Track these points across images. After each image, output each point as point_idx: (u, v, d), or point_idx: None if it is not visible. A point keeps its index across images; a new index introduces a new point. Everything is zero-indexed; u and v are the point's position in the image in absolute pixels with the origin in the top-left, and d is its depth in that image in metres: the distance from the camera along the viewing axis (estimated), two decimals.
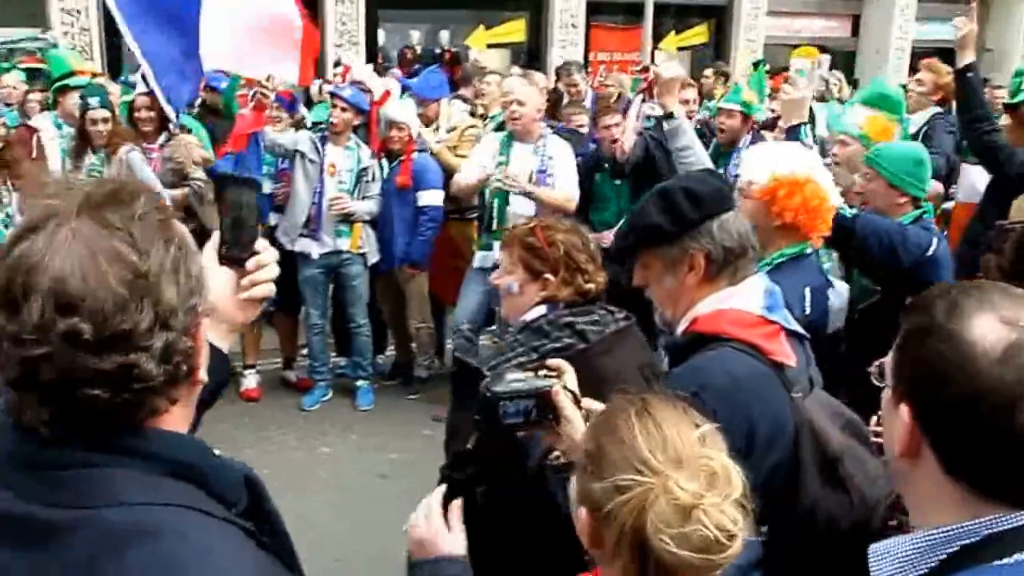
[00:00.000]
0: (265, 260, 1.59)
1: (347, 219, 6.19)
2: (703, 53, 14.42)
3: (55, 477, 1.11)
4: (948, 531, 1.24)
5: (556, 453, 2.00)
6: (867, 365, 3.46)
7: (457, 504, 1.93)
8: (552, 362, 2.01)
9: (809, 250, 3.15)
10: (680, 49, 14.17)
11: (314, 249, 6.17)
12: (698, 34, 14.73)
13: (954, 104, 5.63)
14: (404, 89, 6.89)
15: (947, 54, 14.07)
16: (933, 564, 1.25)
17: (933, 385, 1.23)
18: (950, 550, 1.24)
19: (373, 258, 6.37)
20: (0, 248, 1.11)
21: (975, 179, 5.36)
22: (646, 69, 9.37)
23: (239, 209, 1.58)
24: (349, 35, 11.90)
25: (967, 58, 4.67)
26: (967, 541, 1.23)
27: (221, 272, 1.57)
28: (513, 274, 2.54)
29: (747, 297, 2.14)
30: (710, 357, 2.05)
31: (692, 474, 1.35)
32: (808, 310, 2.99)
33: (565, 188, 5.70)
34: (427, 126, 6.63)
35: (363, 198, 6.22)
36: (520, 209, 5.65)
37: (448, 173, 6.26)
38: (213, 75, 6.33)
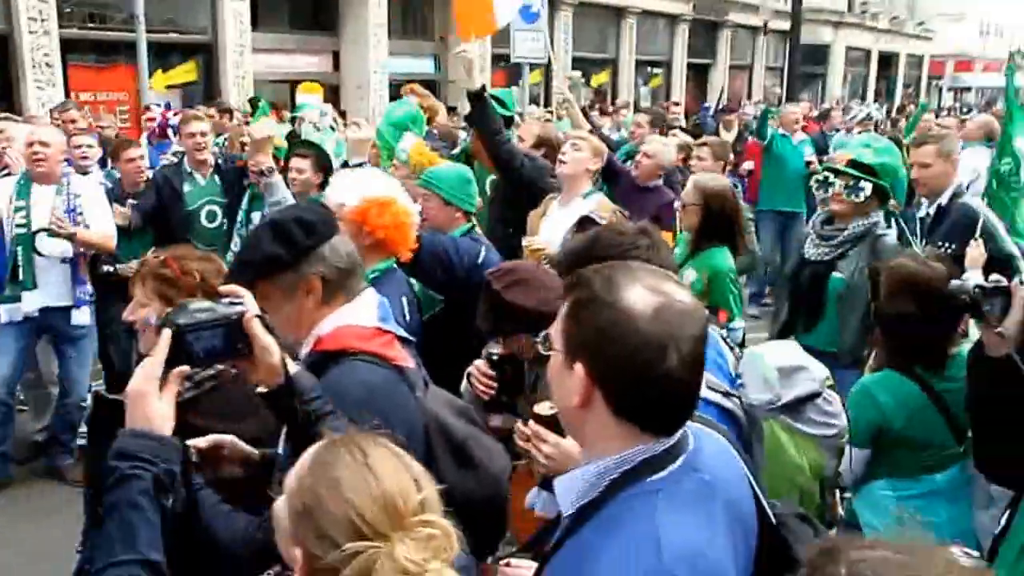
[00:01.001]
0: None
1: None
2: (194, 91, 14.34)
3: None
4: (613, 460, 1.53)
5: (261, 389, 1.96)
6: (438, 364, 3.68)
7: (180, 370, 1.78)
8: (227, 288, 1.95)
9: (395, 265, 3.38)
10: (170, 87, 13.97)
11: None
12: (187, 72, 14.57)
13: None
14: None
15: (424, 86, 15.52)
16: (603, 487, 1.54)
17: (601, 344, 1.50)
18: (615, 476, 1.53)
19: None
20: None
21: None
22: (168, 107, 9.17)
23: None
24: None
25: (477, 82, 5.24)
26: (628, 466, 1.53)
27: None
28: (149, 307, 2.50)
29: (362, 312, 2.28)
30: (341, 371, 2.14)
31: (416, 540, 1.38)
32: (408, 316, 3.27)
33: (102, 227, 5.53)
34: None
35: None
36: (53, 252, 5.38)
37: None
38: None
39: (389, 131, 5.57)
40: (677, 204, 5.80)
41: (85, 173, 6.08)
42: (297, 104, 8.30)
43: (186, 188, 6.20)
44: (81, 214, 5.41)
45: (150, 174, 6.42)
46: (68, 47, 12.70)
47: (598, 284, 1.54)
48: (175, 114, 7.55)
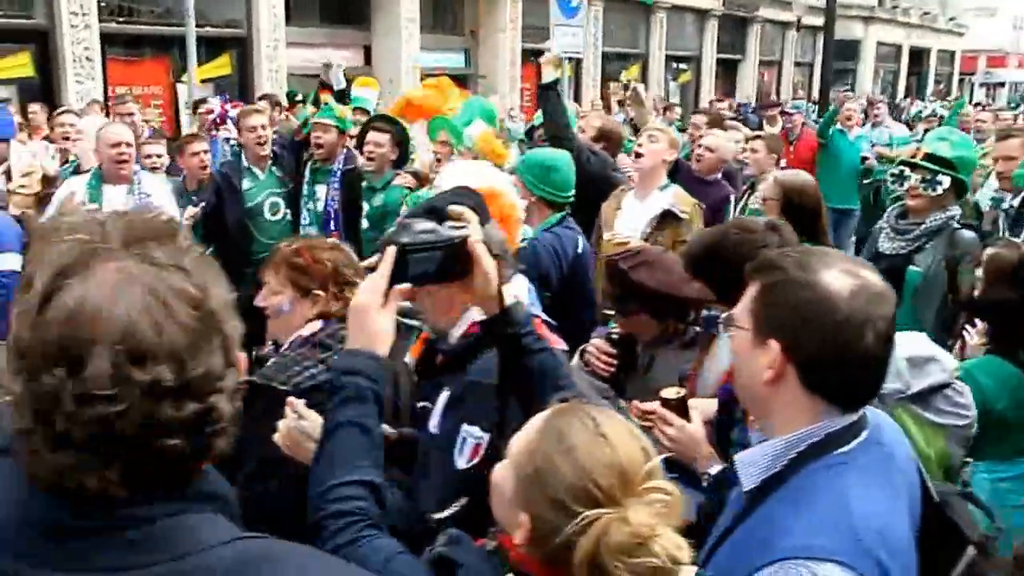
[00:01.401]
0: None
1: None
2: (229, 83, 14.36)
3: (124, 538, 1.02)
4: (799, 434, 1.62)
5: (479, 315, 1.96)
6: None
7: (401, 288, 1.80)
8: (456, 210, 1.96)
9: None
10: (204, 81, 13.99)
11: None
12: (221, 66, 14.61)
13: None
14: None
15: (454, 80, 15.61)
16: (787, 461, 1.62)
17: (800, 323, 1.59)
18: (800, 449, 1.61)
19: None
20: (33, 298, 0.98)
21: None
22: (226, 99, 9.16)
23: None
24: None
25: (552, 76, 5.31)
26: (814, 440, 1.61)
27: None
28: (282, 294, 2.57)
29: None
30: None
31: (649, 505, 1.42)
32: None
33: None
34: None
35: None
36: None
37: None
38: None
39: (460, 124, 5.58)
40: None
41: None
42: (352, 98, 8.28)
43: (246, 185, 6.16)
44: None
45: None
46: (105, 41, 12.74)
47: (792, 266, 1.63)
48: (233, 106, 7.56)
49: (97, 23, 12.39)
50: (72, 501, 1.02)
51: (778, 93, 25.84)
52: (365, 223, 5.78)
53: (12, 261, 5.34)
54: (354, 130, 6.67)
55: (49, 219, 1.07)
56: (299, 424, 2.06)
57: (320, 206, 5.96)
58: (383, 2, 16.87)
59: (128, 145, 5.38)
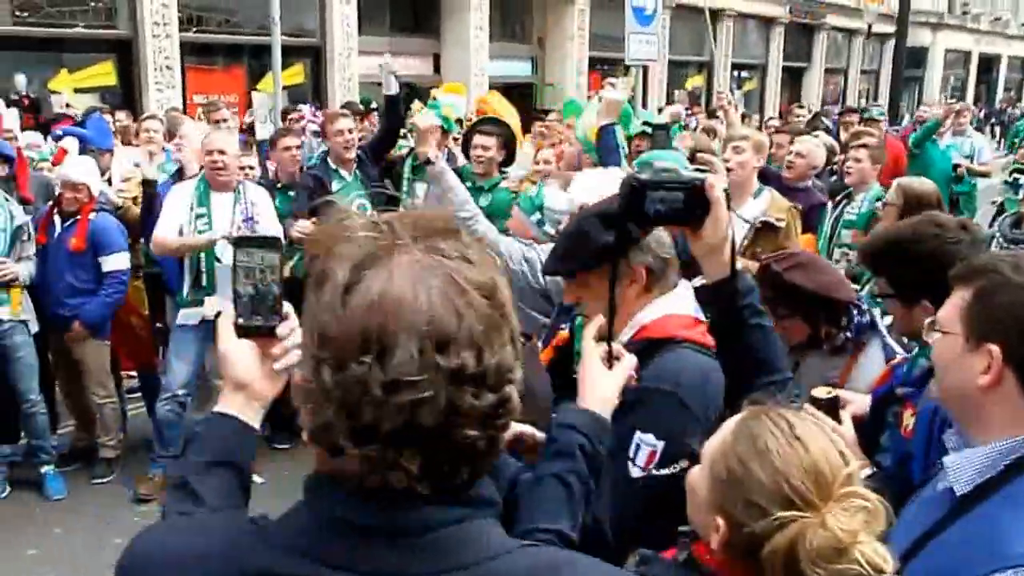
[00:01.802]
0: (294, 324, 1.42)
1: (4, 284, 5.32)
2: (303, 91, 14.57)
3: (421, 542, 1.02)
4: (1017, 440, 1.57)
5: (702, 280, 1.94)
6: None
7: (630, 363, 1.87)
8: (704, 156, 1.92)
9: None
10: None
11: None
12: (295, 74, 14.82)
13: None
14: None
15: (517, 87, 15.61)
16: (1001, 468, 1.58)
17: (1022, 327, 1.56)
18: (1015, 456, 1.57)
19: (35, 326, 5.58)
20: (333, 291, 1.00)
21: None
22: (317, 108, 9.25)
23: (259, 274, 1.42)
24: None
25: (666, 119, 5.42)
26: None
27: (244, 346, 1.44)
28: None
29: (684, 302, 2.26)
30: (676, 358, 2.14)
31: (848, 511, 1.38)
32: None
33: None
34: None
35: (19, 259, 5.37)
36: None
37: (133, 227, 5.80)
38: None
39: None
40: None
41: None
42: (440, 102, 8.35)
43: (335, 185, 6.23)
44: (258, 222, 5.47)
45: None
46: (188, 50, 13.03)
47: (1010, 270, 1.61)
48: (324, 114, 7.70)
49: (177, 33, 12.66)
50: (363, 496, 1.02)
51: (844, 100, 25.50)
52: None
53: (123, 260, 5.62)
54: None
55: (332, 221, 1.05)
56: None
57: (420, 204, 5.95)
58: (453, 11, 17.01)
59: (221, 153, 5.42)
